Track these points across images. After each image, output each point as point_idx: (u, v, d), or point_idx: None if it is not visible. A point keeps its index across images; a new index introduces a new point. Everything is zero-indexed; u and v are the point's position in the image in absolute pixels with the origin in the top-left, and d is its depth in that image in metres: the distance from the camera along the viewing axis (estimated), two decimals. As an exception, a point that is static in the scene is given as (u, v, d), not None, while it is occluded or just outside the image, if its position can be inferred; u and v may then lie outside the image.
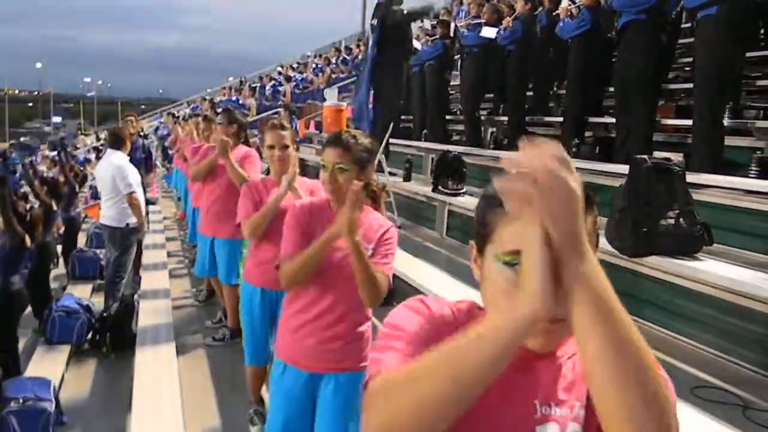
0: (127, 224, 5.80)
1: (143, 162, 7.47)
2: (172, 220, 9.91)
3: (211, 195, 4.73)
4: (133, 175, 5.83)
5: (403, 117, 9.13)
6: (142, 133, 9.22)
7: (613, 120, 5.85)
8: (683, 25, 6.69)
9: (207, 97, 18.69)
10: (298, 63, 22.14)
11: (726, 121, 4.81)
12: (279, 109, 13.96)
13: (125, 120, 7.22)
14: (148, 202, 8.20)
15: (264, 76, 21.51)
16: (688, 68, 6.34)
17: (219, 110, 8.43)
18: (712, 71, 4.58)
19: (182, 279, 6.78)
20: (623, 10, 5.47)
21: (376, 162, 2.43)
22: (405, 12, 6.62)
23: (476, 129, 7.73)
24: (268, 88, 17.60)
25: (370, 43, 6.05)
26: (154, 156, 8.27)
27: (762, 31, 5.97)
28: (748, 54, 5.58)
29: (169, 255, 7.64)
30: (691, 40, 5.63)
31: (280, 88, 16.84)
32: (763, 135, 4.80)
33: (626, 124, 5.39)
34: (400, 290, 4.92)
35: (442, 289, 3.85)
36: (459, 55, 8.35)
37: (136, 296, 5.81)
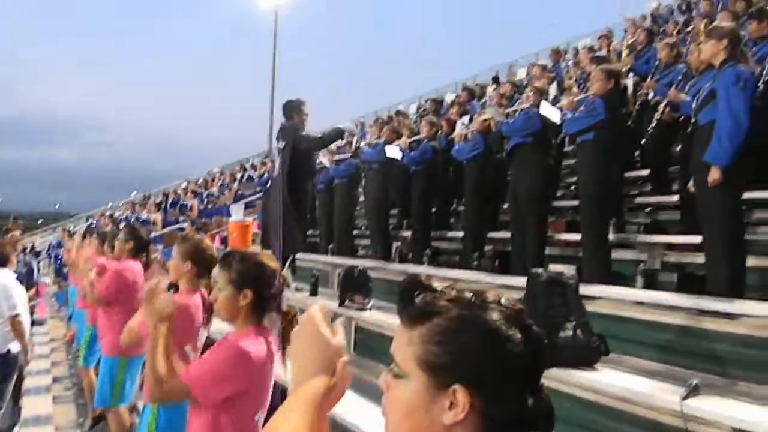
0: (9, 350, 5.33)
1: (24, 278, 7.03)
2: (60, 342, 9.21)
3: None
4: (20, 296, 5.44)
5: (309, 232, 9.18)
6: (20, 248, 8.78)
7: (509, 234, 6.14)
8: (566, 148, 7.29)
9: (108, 212, 18.08)
10: (204, 179, 22.09)
11: (611, 236, 5.16)
12: (184, 224, 13.70)
13: (5, 234, 6.81)
14: (34, 323, 7.63)
15: (169, 191, 21.21)
16: (573, 187, 6.84)
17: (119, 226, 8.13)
18: (594, 190, 4.98)
19: (67, 406, 6.23)
20: (512, 135, 5.94)
21: (280, 278, 2.40)
22: (319, 137, 6.77)
23: (385, 243, 7.90)
24: (172, 203, 17.33)
25: (278, 163, 6.16)
26: (38, 273, 7.75)
27: (637, 153, 6.59)
28: (626, 174, 6.11)
29: (54, 380, 7.04)
30: (574, 161, 6.11)
31: (186, 203, 16.61)
32: (646, 248, 5.18)
33: (521, 238, 5.69)
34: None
35: (349, 408, 3.72)
36: (363, 173, 8.66)
37: (15, 429, 5.31)
